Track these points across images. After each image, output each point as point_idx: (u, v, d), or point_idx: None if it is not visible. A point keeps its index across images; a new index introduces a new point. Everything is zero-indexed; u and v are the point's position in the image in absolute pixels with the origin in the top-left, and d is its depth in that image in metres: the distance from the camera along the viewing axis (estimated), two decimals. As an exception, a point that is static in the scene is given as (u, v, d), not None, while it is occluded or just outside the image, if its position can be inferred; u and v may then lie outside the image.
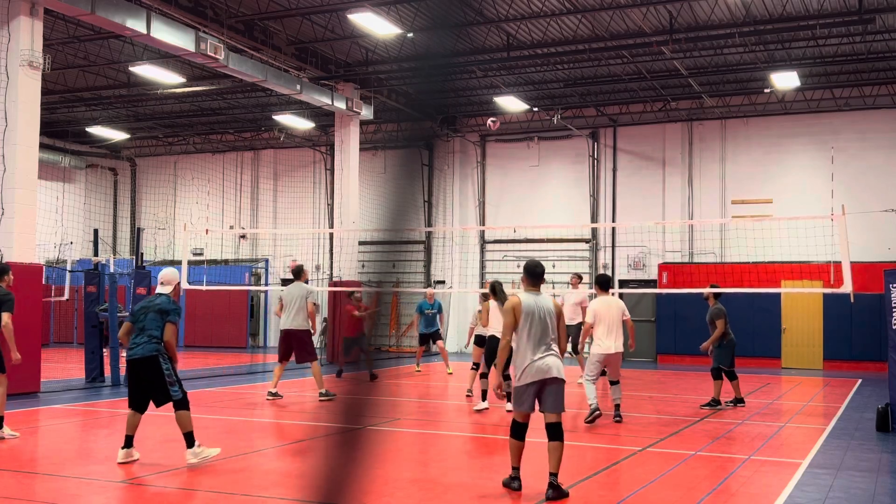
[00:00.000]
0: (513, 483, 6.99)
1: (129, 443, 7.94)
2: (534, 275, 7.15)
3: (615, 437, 10.08)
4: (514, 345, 6.93)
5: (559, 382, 6.88)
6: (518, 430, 6.92)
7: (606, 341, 10.83)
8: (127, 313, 15.45)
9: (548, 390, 6.86)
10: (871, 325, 19.84)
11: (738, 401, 12.94)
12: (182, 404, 7.81)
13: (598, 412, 10.71)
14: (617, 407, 11.19)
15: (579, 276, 17.09)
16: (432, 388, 16.22)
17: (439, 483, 7.52)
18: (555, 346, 6.98)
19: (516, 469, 6.99)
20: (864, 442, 9.87)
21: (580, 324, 15.15)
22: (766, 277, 20.72)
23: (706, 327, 13.06)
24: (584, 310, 15.05)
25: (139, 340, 7.83)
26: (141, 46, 19.79)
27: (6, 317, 9.26)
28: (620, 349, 11.01)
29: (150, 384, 7.80)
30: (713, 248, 23.16)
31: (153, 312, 7.91)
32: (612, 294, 11.98)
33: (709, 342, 12.78)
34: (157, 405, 7.91)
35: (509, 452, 7.00)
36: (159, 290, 8.30)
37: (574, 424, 11.70)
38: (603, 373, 11.45)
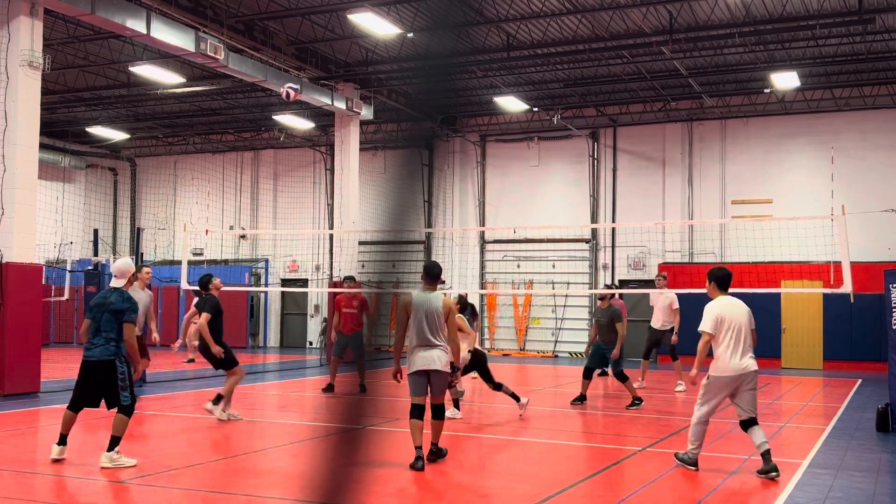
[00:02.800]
0: (416, 463, 7.63)
1: (63, 440, 7.84)
2: (430, 275, 8.04)
3: (615, 437, 10.08)
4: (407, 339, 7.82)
5: (441, 373, 7.77)
6: (415, 412, 7.78)
7: (734, 358, 7.79)
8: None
9: (432, 380, 7.77)
10: (871, 325, 19.84)
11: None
12: (126, 410, 7.70)
13: (695, 467, 7.96)
14: (765, 456, 7.68)
15: (663, 276, 16.65)
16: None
17: (439, 483, 7.52)
18: (440, 340, 7.78)
19: (419, 448, 7.71)
20: (864, 442, 9.87)
21: (672, 328, 15.35)
22: (766, 277, 20.71)
23: None
24: (675, 312, 15.32)
25: (97, 342, 7.71)
26: (141, 46, 19.79)
27: None
28: (755, 367, 7.88)
29: (102, 387, 7.72)
30: (713, 248, 23.16)
31: (108, 313, 7.72)
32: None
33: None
34: (108, 408, 7.78)
35: (411, 433, 7.74)
36: (113, 283, 8.03)
37: (575, 425, 11.69)
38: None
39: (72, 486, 7.21)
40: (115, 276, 8.07)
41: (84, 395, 7.82)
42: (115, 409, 7.73)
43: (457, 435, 10.36)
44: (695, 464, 7.90)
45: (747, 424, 7.81)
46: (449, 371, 7.85)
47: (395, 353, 8.06)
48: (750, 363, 7.76)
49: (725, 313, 7.93)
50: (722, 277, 8.24)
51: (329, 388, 14.03)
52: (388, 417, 10.07)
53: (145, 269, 11.97)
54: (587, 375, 13.09)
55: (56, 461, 7.80)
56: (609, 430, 11.63)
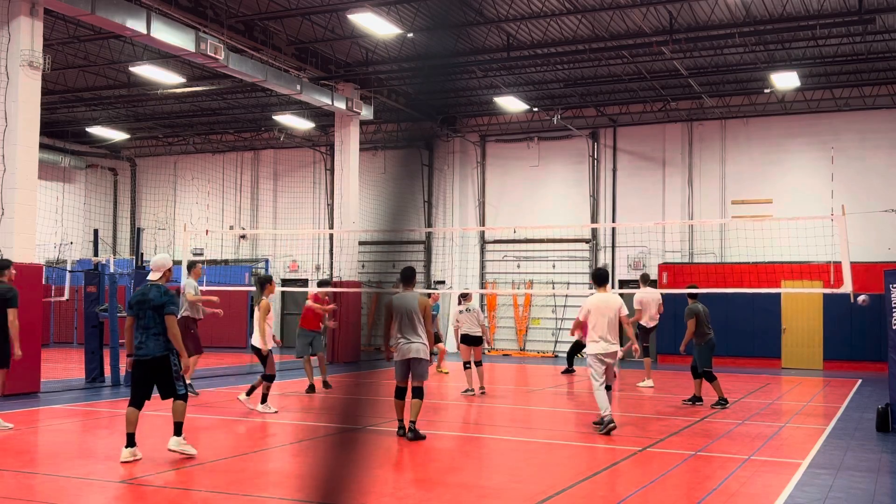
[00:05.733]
0: (399, 432, 9.33)
1: (131, 441, 8.00)
2: (406, 278, 9.53)
3: (615, 437, 10.08)
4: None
5: (420, 361, 9.27)
6: (399, 393, 9.47)
7: (602, 341, 10.12)
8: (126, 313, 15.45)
9: (413, 366, 9.27)
10: (871, 325, 19.84)
11: (721, 401, 12.85)
12: (183, 397, 8.17)
13: (613, 424, 9.99)
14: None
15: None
16: (430, 387, 16.21)
17: (439, 483, 7.52)
18: (419, 335, 9.24)
19: (401, 421, 9.44)
20: (864, 442, 9.87)
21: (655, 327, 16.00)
22: (766, 277, 20.72)
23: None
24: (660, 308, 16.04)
25: (146, 340, 7.99)
26: (141, 46, 19.79)
27: (12, 313, 9.54)
28: (616, 348, 10.23)
29: (158, 380, 8.11)
30: (713, 249, 23.16)
31: (150, 310, 7.99)
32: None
33: (683, 342, 13.00)
34: (163, 398, 8.19)
35: (395, 410, 9.47)
36: (150, 277, 8.31)
37: (575, 425, 11.70)
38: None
39: (72, 486, 7.21)
40: (153, 269, 8.35)
41: (142, 390, 8.12)
42: (166, 406, 8.13)
43: (457, 435, 10.37)
44: (612, 421, 9.95)
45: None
46: (427, 359, 9.36)
47: (385, 341, 9.67)
48: (613, 347, 10.03)
49: (594, 305, 10.05)
50: (597, 276, 10.46)
51: (311, 389, 13.98)
52: (388, 418, 10.07)
53: (199, 264, 12.96)
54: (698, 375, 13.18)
55: (127, 463, 7.84)
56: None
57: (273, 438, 10.03)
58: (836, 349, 21.01)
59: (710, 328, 12.98)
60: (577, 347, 17.31)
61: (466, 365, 14.14)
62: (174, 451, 8.12)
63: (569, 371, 17.91)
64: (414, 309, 9.28)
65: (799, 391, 16.23)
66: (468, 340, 14.15)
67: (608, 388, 10.24)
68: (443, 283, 26.01)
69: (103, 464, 8.21)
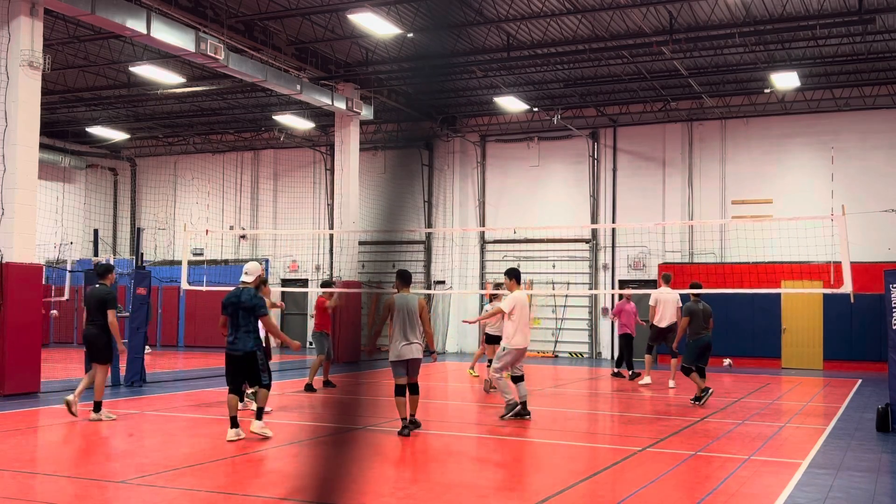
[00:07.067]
0: (403, 430, 9.56)
1: (235, 423, 9.11)
2: (404, 280, 9.95)
3: (615, 437, 10.08)
4: (391, 331, 9.71)
5: (417, 360, 9.75)
6: (399, 391, 9.72)
7: (521, 335, 11.02)
8: (127, 314, 15.45)
9: (411, 365, 9.70)
10: (871, 325, 19.84)
11: (698, 398, 12.87)
12: (267, 386, 9.38)
13: (518, 406, 10.99)
14: (525, 404, 11.18)
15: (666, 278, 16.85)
16: (431, 387, 16.21)
17: (439, 483, 7.52)
18: (417, 336, 9.66)
19: (404, 419, 9.67)
20: (864, 442, 9.87)
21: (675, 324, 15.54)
22: (766, 277, 20.72)
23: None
24: (679, 310, 15.46)
25: (238, 337, 9.12)
26: (141, 46, 19.79)
27: (111, 314, 10.53)
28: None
29: (247, 372, 9.26)
30: (713, 249, 23.16)
31: (242, 311, 9.11)
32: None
33: (675, 340, 13.14)
34: (251, 386, 9.48)
35: (396, 408, 9.68)
36: (243, 278, 9.36)
37: (575, 425, 11.71)
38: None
39: (72, 486, 7.21)
40: (246, 273, 9.43)
41: (237, 379, 9.32)
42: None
43: (457, 435, 10.37)
44: (517, 404, 10.86)
45: (518, 379, 11.07)
46: (421, 357, 9.82)
47: (373, 337, 11.02)
48: (528, 341, 11.11)
49: (519, 302, 10.92)
50: (517, 273, 11.32)
51: (310, 388, 14.04)
52: (388, 418, 10.07)
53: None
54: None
55: (232, 442, 8.96)
56: (609, 430, 11.64)
57: (273, 438, 10.02)
58: (836, 349, 21.01)
59: (706, 328, 12.98)
60: (629, 347, 17.32)
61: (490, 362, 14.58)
62: (255, 433, 9.15)
63: (635, 375, 17.10)
64: (414, 310, 9.67)
65: (799, 391, 16.23)
66: (491, 340, 14.87)
67: (522, 377, 11.22)
68: (443, 283, 26.00)
69: (103, 464, 8.22)
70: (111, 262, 11.57)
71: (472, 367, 17.81)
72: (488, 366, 14.37)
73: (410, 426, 9.69)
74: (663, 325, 15.70)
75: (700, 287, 13.75)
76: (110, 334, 10.61)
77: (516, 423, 11.27)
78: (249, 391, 11.96)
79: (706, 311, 13.08)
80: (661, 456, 8.85)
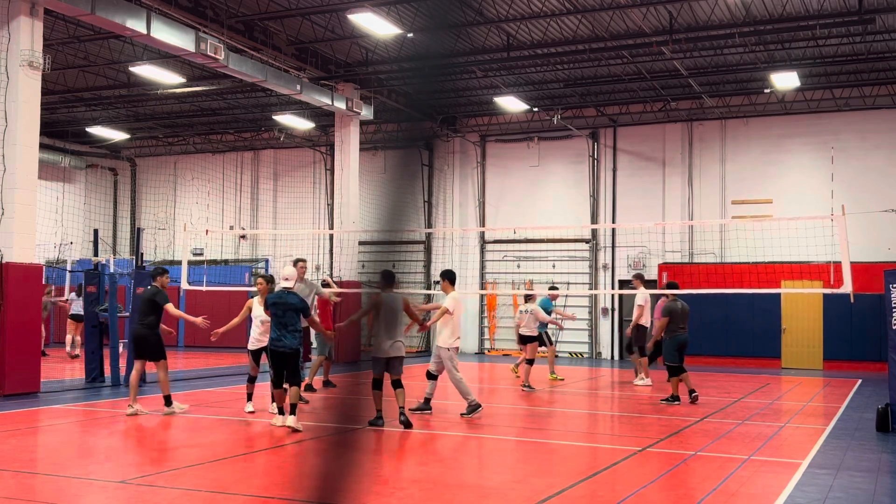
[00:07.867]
0: (378, 421, 9.96)
1: (282, 411, 10.03)
2: (388, 279, 10.54)
3: (615, 437, 10.08)
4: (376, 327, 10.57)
5: (399, 358, 10.26)
6: (376, 384, 10.18)
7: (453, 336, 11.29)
8: (127, 314, 15.46)
9: (392, 363, 10.20)
10: (871, 325, 19.84)
11: (673, 398, 12.92)
12: (299, 384, 10.01)
13: (480, 406, 11.31)
14: (428, 400, 11.61)
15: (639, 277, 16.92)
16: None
17: (439, 483, 7.52)
18: (399, 335, 10.18)
19: (379, 411, 10.10)
20: (864, 442, 9.87)
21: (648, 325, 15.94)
22: (766, 277, 20.71)
23: (705, 328, 13.20)
24: (641, 310, 15.86)
25: (285, 335, 9.81)
26: (141, 46, 19.79)
27: (169, 307, 11.18)
28: None
29: (288, 368, 9.88)
30: (713, 249, 23.16)
31: (289, 311, 9.82)
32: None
33: (652, 340, 13.43)
34: (290, 384, 9.94)
35: (373, 400, 10.18)
36: (283, 284, 10.05)
37: (575, 425, 11.71)
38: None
39: (72, 486, 7.21)
40: (286, 278, 10.12)
41: (280, 373, 9.95)
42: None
43: (457, 435, 10.37)
44: (479, 405, 11.17)
45: (433, 377, 11.51)
46: (404, 356, 10.34)
47: (352, 322, 11.79)
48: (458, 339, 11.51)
49: (459, 302, 11.42)
50: (452, 275, 11.61)
51: (310, 388, 13.86)
52: (388, 417, 10.07)
53: (301, 263, 12.87)
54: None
55: (281, 427, 9.87)
56: (609, 430, 11.64)
57: (273, 439, 10.02)
58: (836, 349, 21.01)
59: (683, 327, 13.06)
60: (657, 349, 15.89)
61: (530, 361, 15.28)
62: (289, 427, 9.72)
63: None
64: (399, 309, 10.33)
65: (799, 391, 16.23)
66: (521, 339, 15.75)
67: (437, 377, 11.61)
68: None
69: (103, 464, 8.22)
70: (165, 267, 12.07)
71: (552, 372, 17.24)
72: (515, 366, 14.74)
73: (402, 418, 10.02)
74: (650, 324, 15.90)
75: (677, 287, 13.97)
76: (159, 334, 11.25)
77: (516, 423, 11.27)
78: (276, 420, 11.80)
79: (684, 311, 13.18)
80: (661, 456, 8.85)
